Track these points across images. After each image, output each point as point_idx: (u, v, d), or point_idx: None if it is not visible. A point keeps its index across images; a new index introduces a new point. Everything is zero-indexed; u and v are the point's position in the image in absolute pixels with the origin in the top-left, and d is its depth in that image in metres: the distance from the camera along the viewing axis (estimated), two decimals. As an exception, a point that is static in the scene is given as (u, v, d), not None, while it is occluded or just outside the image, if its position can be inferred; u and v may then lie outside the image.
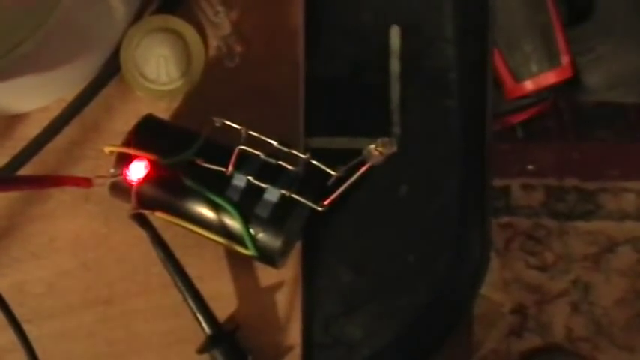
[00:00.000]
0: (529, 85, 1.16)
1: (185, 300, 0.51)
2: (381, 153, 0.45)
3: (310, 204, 0.47)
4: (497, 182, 1.38)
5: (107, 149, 0.49)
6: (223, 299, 0.53)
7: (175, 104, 0.54)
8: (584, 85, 1.28)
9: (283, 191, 0.48)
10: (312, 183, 0.49)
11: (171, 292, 0.51)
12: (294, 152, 0.48)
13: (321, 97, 0.54)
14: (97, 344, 0.54)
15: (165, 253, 0.50)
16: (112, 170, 0.49)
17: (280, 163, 0.48)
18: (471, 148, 0.53)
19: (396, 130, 0.53)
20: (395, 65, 0.53)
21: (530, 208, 1.38)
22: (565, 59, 1.16)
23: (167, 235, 0.50)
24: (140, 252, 0.53)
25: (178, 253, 0.51)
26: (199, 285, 0.51)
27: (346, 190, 0.47)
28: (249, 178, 0.48)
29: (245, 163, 0.48)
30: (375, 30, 0.53)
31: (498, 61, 1.14)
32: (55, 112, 0.53)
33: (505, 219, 1.38)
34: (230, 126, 0.49)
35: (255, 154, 0.48)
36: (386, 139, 0.45)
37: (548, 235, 1.38)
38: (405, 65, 0.53)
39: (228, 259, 0.54)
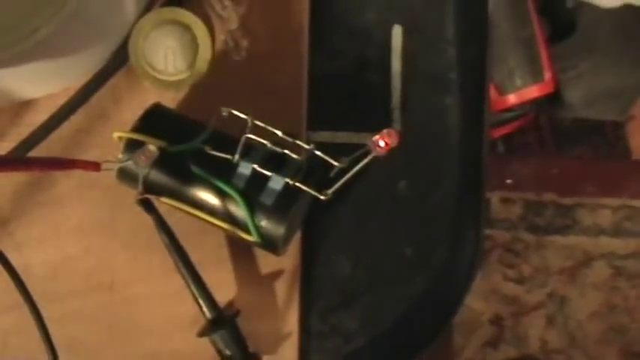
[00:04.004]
0: (512, 98, 1.18)
1: (187, 285, 0.52)
2: (386, 144, 0.46)
3: (314, 192, 0.49)
4: (478, 195, 1.39)
5: (116, 135, 0.50)
6: (223, 286, 0.54)
7: (182, 96, 0.55)
8: (564, 101, 1.31)
9: (288, 179, 0.49)
10: (316, 173, 0.50)
11: (173, 279, 0.52)
12: (298, 143, 0.50)
13: (324, 93, 0.55)
14: (99, 329, 0.55)
15: (169, 237, 0.52)
16: (120, 156, 0.50)
17: (285, 151, 0.49)
18: (468, 146, 0.55)
19: (397, 126, 0.55)
20: (396, 64, 0.55)
21: (508, 222, 1.40)
22: (548, 75, 1.18)
23: (169, 223, 0.51)
24: (143, 239, 0.55)
25: (180, 240, 0.52)
26: (200, 272, 0.52)
27: (348, 182, 0.48)
28: (255, 166, 0.49)
29: (251, 151, 0.50)
30: (378, 29, 0.55)
31: (483, 75, 1.16)
32: (62, 100, 0.54)
33: (484, 231, 1.40)
34: (236, 116, 0.50)
35: (260, 143, 0.49)
36: (391, 130, 0.46)
37: (525, 248, 1.40)
38: (407, 64, 0.55)
39: (229, 247, 0.55)
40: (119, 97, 0.55)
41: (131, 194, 0.50)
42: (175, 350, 0.55)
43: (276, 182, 0.49)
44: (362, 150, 0.47)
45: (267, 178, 0.49)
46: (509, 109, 1.22)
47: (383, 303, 0.55)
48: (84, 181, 0.55)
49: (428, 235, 0.55)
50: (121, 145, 0.50)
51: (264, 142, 0.49)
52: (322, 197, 0.49)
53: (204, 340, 0.53)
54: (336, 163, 0.49)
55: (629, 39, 1.29)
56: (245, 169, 0.49)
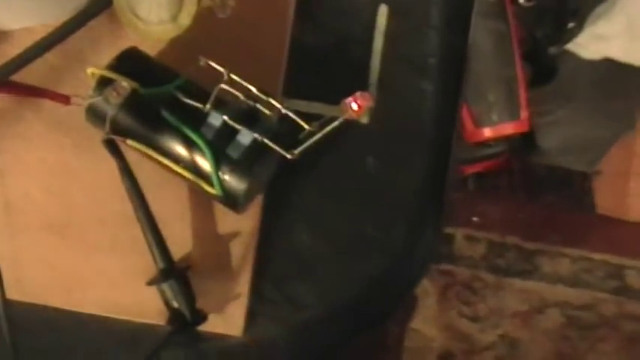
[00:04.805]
0: (488, 132, 1.19)
1: (143, 232, 0.51)
2: (359, 106, 0.46)
3: (281, 151, 0.48)
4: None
5: (89, 70, 0.50)
6: (179, 240, 0.54)
7: (161, 46, 0.55)
8: (537, 146, 1.32)
9: (256, 135, 0.49)
10: (286, 133, 0.50)
11: (129, 228, 0.52)
12: (271, 101, 0.50)
13: (303, 64, 0.55)
14: (47, 270, 0.54)
15: (132, 182, 0.51)
16: (91, 93, 0.49)
17: (257, 106, 0.49)
18: (439, 133, 0.55)
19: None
20: (378, 42, 0.55)
21: (470, 259, 1.41)
22: (524, 114, 1.20)
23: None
24: (104, 186, 0.54)
25: (141, 190, 0.51)
26: (159, 224, 0.52)
27: (316, 147, 0.48)
28: (225, 117, 0.49)
29: (223, 104, 0.49)
30: (364, 6, 0.55)
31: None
32: (40, 35, 0.54)
33: (446, 266, 1.40)
34: (212, 70, 0.50)
35: (234, 96, 0.49)
36: (365, 92, 0.46)
37: (484, 287, 1.40)
38: (388, 44, 0.55)
39: (189, 203, 0.54)
40: (98, 40, 0.55)
41: (97, 138, 0.50)
42: (122, 300, 0.54)
43: (245, 137, 0.49)
44: (333, 114, 0.47)
45: (236, 132, 0.49)
46: (484, 143, 1.23)
47: (338, 277, 0.54)
48: (51, 120, 0.54)
49: (389, 216, 0.55)
50: (93, 83, 0.50)
51: (238, 94, 0.49)
52: (289, 156, 0.49)
53: (153, 293, 0.52)
54: (306, 126, 0.49)
55: (605, 92, 1.31)
56: (215, 119, 0.49)
